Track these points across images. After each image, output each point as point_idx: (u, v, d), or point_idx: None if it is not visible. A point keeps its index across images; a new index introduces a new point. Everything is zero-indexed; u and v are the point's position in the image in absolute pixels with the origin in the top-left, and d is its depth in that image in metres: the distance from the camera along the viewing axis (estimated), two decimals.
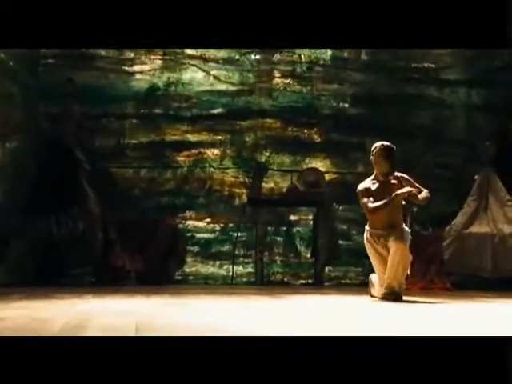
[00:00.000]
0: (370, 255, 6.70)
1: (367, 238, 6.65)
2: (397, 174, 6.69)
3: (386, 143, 6.70)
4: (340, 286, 9.94)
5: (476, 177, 9.76)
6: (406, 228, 6.69)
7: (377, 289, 6.64)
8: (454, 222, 9.56)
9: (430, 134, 10.68)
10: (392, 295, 6.38)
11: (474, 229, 9.42)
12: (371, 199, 6.50)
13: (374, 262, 6.64)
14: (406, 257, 6.41)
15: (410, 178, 6.72)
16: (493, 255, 9.20)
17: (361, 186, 6.66)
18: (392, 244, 6.39)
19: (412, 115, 10.74)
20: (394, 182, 6.56)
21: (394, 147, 6.73)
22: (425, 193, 6.58)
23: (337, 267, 10.30)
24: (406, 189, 6.46)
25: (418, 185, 6.67)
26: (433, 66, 10.87)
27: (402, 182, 6.59)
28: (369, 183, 6.66)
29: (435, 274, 9.49)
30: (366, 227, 6.69)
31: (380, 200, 6.47)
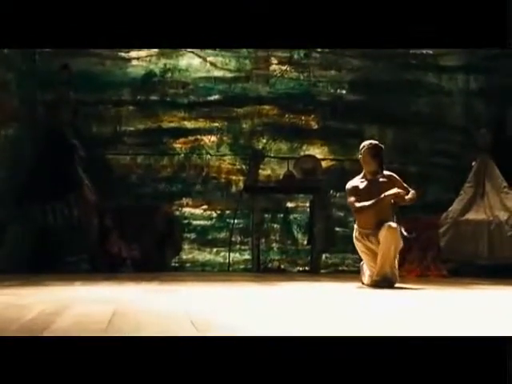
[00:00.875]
0: (360, 253, 6.75)
1: (356, 237, 6.69)
2: (386, 172, 6.68)
3: (374, 142, 6.72)
4: (337, 273, 9.93)
5: (473, 163, 9.72)
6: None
7: (367, 278, 6.64)
8: (450, 208, 9.51)
9: (428, 120, 10.64)
10: (384, 282, 6.37)
11: (471, 216, 9.38)
12: (358, 198, 6.51)
13: (365, 257, 6.66)
14: (397, 240, 6.42)
15: (398, 177, 6.70)
16: (489, 242, 9.16)
17: (349, 185, 6.69)
18: (382, 230, 6.39)
19: (410, 102, 10.70)
20: (382, 180, 6.57)
21: (383, 146, 6.74)
22: (412, 194, 6.58)
23: (334, 254, 10.28)
24: (394, 190, 6.45)
25: (405, 185, 6.67)
26: (431, 52, 10.79)
27: (391, 181, 6.58)
28: (357, 181, 6.67)
29: (431, 261, 9.48)
30: (355, 226, 6.71)
31: (368, 198, 6.50)
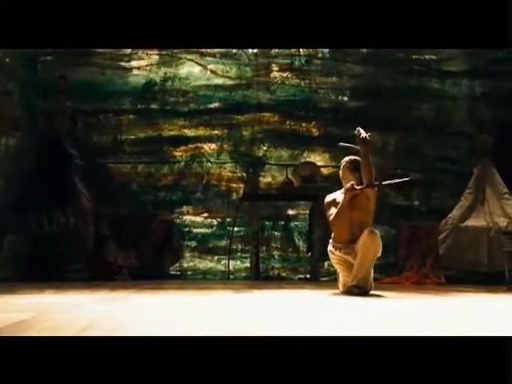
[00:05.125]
0: (335, 265, 6.71)
1: (330, 250, 6.65)
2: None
3: (352, 157, 6.62)
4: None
5: (474, 169, 9.60)
6: None
7: (341, 286, 6.61)
8: (449, 215, 9.41)
9: (432, 126, 10.52)
10: (358, 288, 6.28)
11: (470, 222, 9.25)
12: (335, 211, 6.49)
13: (339, 268, 6.62)
14: (376, 246, 6.28)
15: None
16: (489, 249, 9.02)
17: (327, 199, 6.66)
18: (363, 236, 6.31)
19: (413, 108, 10.61)
20: (357, 192, 6.47)
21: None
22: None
23: None
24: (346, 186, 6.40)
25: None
26: (434, 57, 10.69)
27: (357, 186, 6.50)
28: (335, 195, 6.62)
29: (430, 268, 9.36)
30: (330, 240, 6.66)
31: (346, 213, 6.45)
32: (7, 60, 9.48)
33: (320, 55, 10.67)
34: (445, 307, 5.28)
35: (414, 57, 10.69)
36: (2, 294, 5.83)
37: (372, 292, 6.42)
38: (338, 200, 6.57)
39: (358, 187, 6.39)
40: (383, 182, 6.52)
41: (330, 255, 6.68)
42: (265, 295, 6.53)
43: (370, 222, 6.53)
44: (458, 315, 4.44)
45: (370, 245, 6.29)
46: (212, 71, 10.56)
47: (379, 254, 6.44)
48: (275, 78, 10.68)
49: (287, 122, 10.59)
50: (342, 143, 6.85)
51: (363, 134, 6.26)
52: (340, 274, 6.67)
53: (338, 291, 6.65)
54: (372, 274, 6.47)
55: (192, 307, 4.79)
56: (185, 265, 10.21)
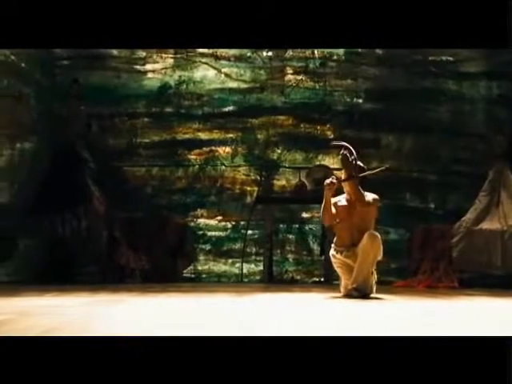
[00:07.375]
0: (336, 268, 6.71)
1: (332, 254, 6.67)
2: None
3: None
4: None
5: (489, 172, 9.48)
6: None
7: (342, 289, 6.59)
8: (463, 218, 9.30)
9: (448, 128, 10.41)
10: (358, 291, 6.25)
11: (485, 225, 9.13)
12: (336, 214, 6.52)
13: (340, 271, 6.64)
14: (377, 249, 6.27)
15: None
16: (502, 252, 8.91)
17: None
18: (364, 238, 6.30)
19: (429, 109, 10.49)
20: (329, 183, 6.47)
21: (365, 167, 6.66)
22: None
23: None
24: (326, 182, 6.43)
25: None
26: (451, 59, 10.58)
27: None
28: (337, 199, 6.62)
29: (443, 271, 9.26)
30: (332, 244, 6.66)
31: (345, 216, 6.50)
32: (23, 65, 9.58)
33: (335, 57, 10.60)
34: (437, 311, 5.22)
35: (430, 58, 10.58)
36: (6, 297, 5.88)
37: (373, 295, 6.39)
38: (339, 203, 6.57)
39: (336, 181, 6.42)
40: (360, 174, 6.50)
41: (332, 259, 6.69)
42: (263, 298, 6.53)
43: (370, 229, 6.48)
44: (447, 319, 4.39)
45: (370, 247, 6.27)
46: (226, 74, 10.56)
47: (380, 257, 6.42)
48: (289, 80, 10.65)
49: (301, 125, 10.55)
50: (334, 142, 6.93)
51: (350, 158, 6.41)
52: (342, 278, 6.65)
53: (339, 294, 6.62)
54: (374, 277, 6.45)
55: (178, 310, 4.79)
56: (199, 268, 10.23)
